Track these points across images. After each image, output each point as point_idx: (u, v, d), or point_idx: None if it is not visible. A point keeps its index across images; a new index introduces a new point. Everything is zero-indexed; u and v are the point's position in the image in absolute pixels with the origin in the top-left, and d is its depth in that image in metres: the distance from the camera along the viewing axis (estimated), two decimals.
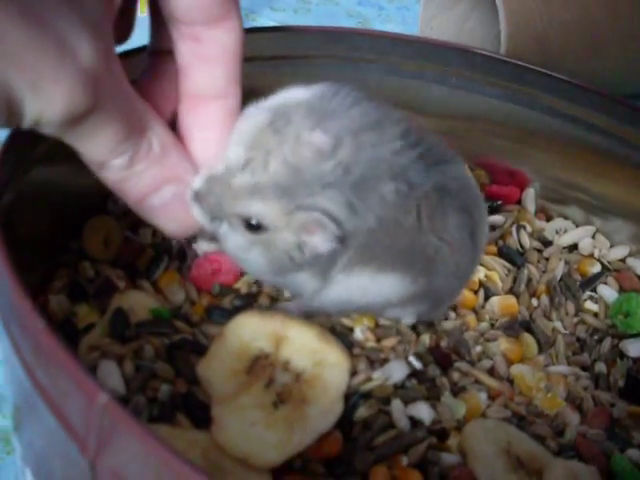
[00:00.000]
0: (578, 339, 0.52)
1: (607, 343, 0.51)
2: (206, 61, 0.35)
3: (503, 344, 0.48)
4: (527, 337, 0.50)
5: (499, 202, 0.58)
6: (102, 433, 0.26)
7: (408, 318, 0.45)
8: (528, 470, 0.40)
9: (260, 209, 0.37)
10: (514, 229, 0.57)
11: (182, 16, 0.34)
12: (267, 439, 0.37)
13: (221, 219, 0.39)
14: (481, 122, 0.59)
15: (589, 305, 0.54)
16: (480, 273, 0.52)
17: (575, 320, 0.53)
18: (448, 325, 0.48)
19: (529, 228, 0.57)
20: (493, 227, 0.57)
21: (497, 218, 0.57)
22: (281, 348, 0.41)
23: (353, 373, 0.42)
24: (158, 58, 0.38)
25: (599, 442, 0.44)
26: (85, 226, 0.48)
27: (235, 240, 0.39)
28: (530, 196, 0.59)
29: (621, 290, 0.54)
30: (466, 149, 0.60)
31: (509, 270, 0.54)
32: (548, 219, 0.59)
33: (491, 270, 0.53)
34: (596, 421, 0.46)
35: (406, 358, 0.44)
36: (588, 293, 0.54)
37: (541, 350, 0.50)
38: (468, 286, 0.51)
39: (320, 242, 0.38)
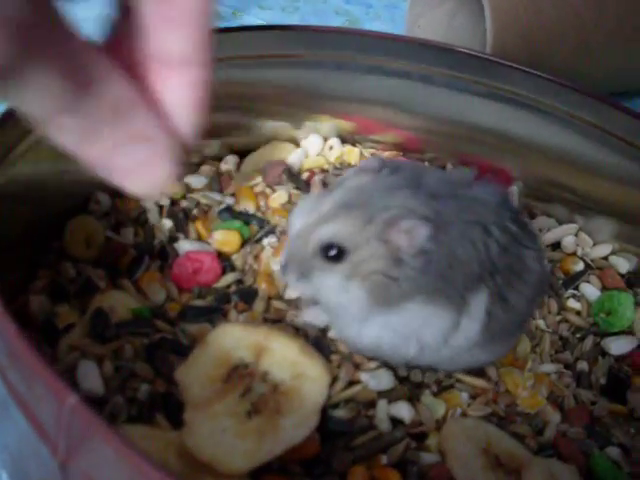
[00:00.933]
0: (560, 337, 0.52)
1: (589, 341, 0.51)
2: (170, 23, 0.33)
3: None
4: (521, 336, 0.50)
5: None
6: (72, 435, 0.26)
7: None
8: (507, 469, 0.40)
9: (331, 229, 0.38)
10: None
11: None
12: (236, 447, 0.37)
13: (310, 272, 0.39)
14: (465, 120, 0.59)
15: (572, 303, 0.54)
16: None
17: (558, 318, 0.53)
18: None
19: None
20: None
21: None
22: (262, 359, 0.41)
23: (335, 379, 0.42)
24: (122, 16, 0.35)
25: (579, 440, 0.44)
26: (66, 226, 0.48)
27: (328, 282, 0.40)
28: (513, 194, 0.59)
29: (604, 288, 0.54)
30: (450, 147, 0.60)
31: None
32: (532, 217, 0.59)
33: None
34: (576, 419, 0.46)
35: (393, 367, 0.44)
36: (571, 291, 0.54)
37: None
38: None
39: (411, 238, 0.38)
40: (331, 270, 0.39)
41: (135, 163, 0.32)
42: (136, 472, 0.27)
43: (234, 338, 0.41)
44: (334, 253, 0.39)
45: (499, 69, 0.56)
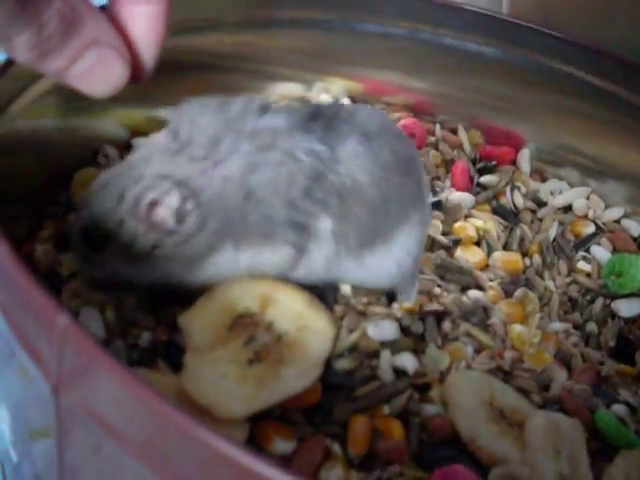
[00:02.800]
0: (570, 299, 0.51)
1: (599, 303, 0.51)
2: None
3: (504, 308, 0.47)
4: (530, 294, 0.49)
5: (493, 162, 0.58)
6: (65, 358, 0.26)
7: None
8: (510, 422, 0.40)
9: (85, 214, 0.40)
10: (508, 189, 0.56)
11: None
12: (234, 392, 0.36)
13: None
14: (476, 82, 0.58)
15: (582, 265, 0.53)
16: (477, 222, 0.52)
17: (567, 280, 0.52)
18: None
19: (523, 189, 0.57)
20: (486, 187, 0.56)
21: (491, 178, 0.57)
22: (267, 309, 0.40)
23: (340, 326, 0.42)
24: None
25: (585, 397, 0.44)
26: (74, 178, 0.48)
27: None
28: (525, 157, 0.58)
29: (614, 251, 0.54)
30: (461, 110, 0.60)
31: (504, 227, 0.53)
32: (543, 180, 0.59)
33: (487, 223, 0.52)
34: (583, 377, 0.45)
35: (396, 316, 0.44)
36: (581, 253, 0.54)
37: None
38: (470, 241, 0.51)
39: (164, 209, 0.38)
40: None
41: (89, 66, 0.34)
42: (134, 398, 0.27)
43: (241, 288, 0.41)
44: (94, 239, 0.39)
45: (511, 29, 0.56)
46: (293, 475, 0.26)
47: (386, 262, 0.43)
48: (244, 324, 0.40)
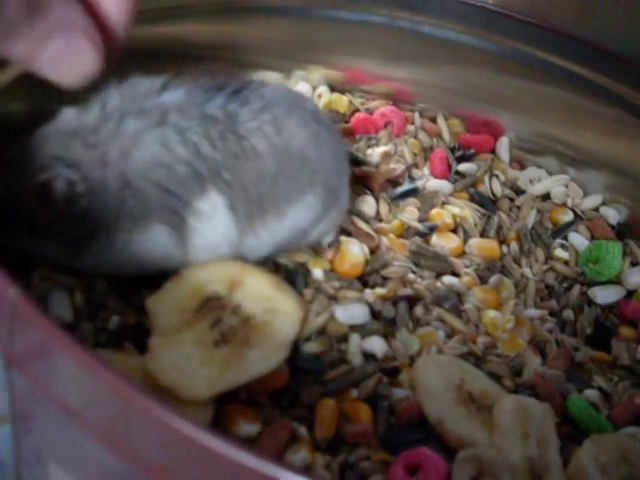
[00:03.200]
0: (547, 286, 0.51)
1: (576, 290, 0.51)
2: None
3: (478, 294, 0.47)
4: (505, 280, 0.49)
5: (472, 150, 0.58)
6: (17, 332, 0.26)
7: None
8: (479, 406, 0.39)
9: None
10: (486, 177, 0.56)
11: None
12: (199, 373, 0.36)
13: None
14: (455, 70, 0.58)
15: (560, 253, 0.53)
16: (454, 209, 0.52)
17: (544, 267, 0.52)
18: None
19: (502, 177, 0.57)
20: (464, 175, 0.56)
21: (469, 166, 0.56)
22: (235, 292, 0.40)
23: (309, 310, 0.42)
24: None
25: (557, 383, 0.43)
26: None
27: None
28: (504, 145, 0.58)
29: (593, 238, 0.54)
30: (441, 98, 0.60)
31: (482, 215, 0.53)
32: (522, 169, 0.59)
33: (464, 210, 0.52)
34: (556, 363, 0.45)
35: (367, 301, 0.44)
36: (559, 241, 0.54)
37: None
38: (447, 228, 0.51)
39: (53, 192, 0.38)
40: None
41: (57, 52, 0.32)
42: (89, 374, 0.27)
43: (210, 271, 0.41)
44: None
45: (489, 16, 0.56)
46: (254, 455, 0.26)
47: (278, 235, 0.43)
48: (211, 307, 0.39)
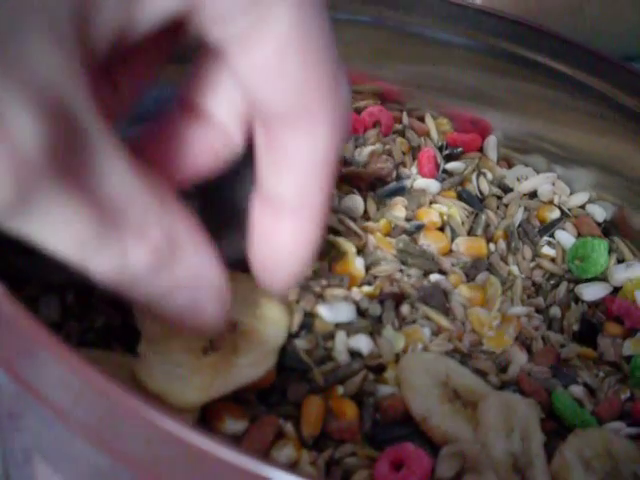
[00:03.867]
0: (534, 283, 0.51)
1: (563, 287, 0.51)
2: (282, 169, 0.29)
3: (465, 292, 0.48)
4: (492, 278, 0.49)
5: (460, 149, 0.58)
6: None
7: None
8: (464, 402, 0.40)
9: None
10: (474, 176, 0.56)
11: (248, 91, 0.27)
12: (189, 381, 0.36)
13: None
14: (443, 70, 0.58)
15: (546, 250, 0.53)
16: (441, 208, 0.52)
17: (532, 265, 0.52)
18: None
19: (489, 175, 0.57)
20: (452, 174, 0.56)
21: (457, 165, 0.57)
22: None
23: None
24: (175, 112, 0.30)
25: (543, 379, 0.44)
26: None
27: None
28: (492, 143, 0.59)
29: (579, 236, 0.54)
30: (429, 98, 0.60)
31: (469, 213, 0.54)
32: (510, 167, 0.59)
33: (451, 208, 0.52)
34: (542, 359, 0.45)
35: (354, 299, 0.44)
36: (546, 239, 0.54)
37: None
38: (434, 226, 0.51)
39: None
40: None
41: (179, 308, 0.29)
42: (73, 372, 0.27)
43: None
44: None
45: (477, 16, 0.56)
46: (240, 452, 0.26)
47: None
48: None
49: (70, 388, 0.29)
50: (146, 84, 0.31)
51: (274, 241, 0.30)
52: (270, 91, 0.27)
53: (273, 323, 0.40)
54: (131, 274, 0.25)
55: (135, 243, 0.25)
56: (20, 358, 0.29)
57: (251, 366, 0.38)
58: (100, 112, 0.23)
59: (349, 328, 0.42)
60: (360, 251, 0.47)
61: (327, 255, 0.46)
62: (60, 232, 0.23)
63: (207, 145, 0.30)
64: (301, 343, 0.41)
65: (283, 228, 0.30)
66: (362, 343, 0.41)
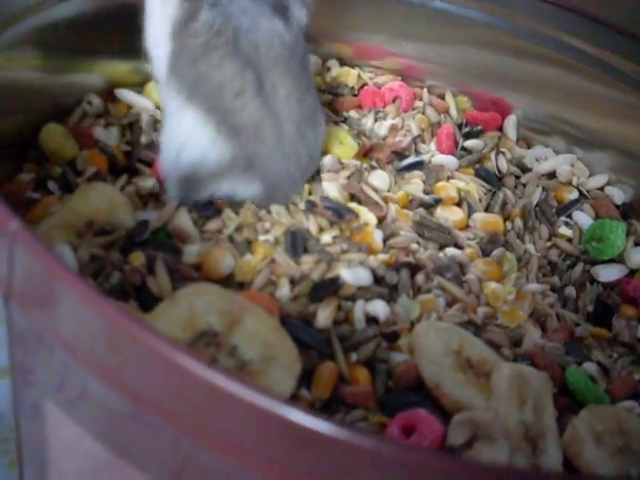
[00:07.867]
0: (549, 262, 0.51)
1: (579, 268, 0.51)
2: None
3: (480, 266, 0.47)
4: (508, 254, 0.49)
5: (479, 127, 0.58)
6: (14, 264, 0.26)
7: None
8: (477, 372, 0.40)
9: None
10: (493, 154, 0.56)
11: None
12: None
13: None
14: (465, 48, 0.58)
15: (564, 230, 0.53)
16: (459, 183, 0.52)
17: (548, 244, 0.52)
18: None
19: (508, 154, 0.57)
20: (471, 151, 0.56)
21: (476, 143, 0.56)
22: (232, 331, 0.37)
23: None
24: None
25: (556, 355, 0.43)
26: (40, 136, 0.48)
27: None
28: (512, 123, 0.58)
29: (597, 217, 0.54)
30: (449, 75, 0.60)
31: (487, 191, 0.53)
32: (529, 147, 0.59)
33: (469, 184, 0.52)
34: (557, 336, 0.45)
35: (370, 266, 0.44)
36: (563, 219, 0.53)
37: None
38: (451, 201, 0.51)
39: None
40: None
41: None
42: (89, 306, 0.27)
43: (208, 300, 0.37)
44: None
45: None
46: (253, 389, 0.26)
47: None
48: (206, 343, 0.36)
49: (83, 323, 0.29)
50: None
51: None
52: None
53: (283, 367, 0.37)
54: None
55: None
56: (34, 293, 0.29)
57: None
58: None
59: (367, 293, 0.42)
60: (380, 222, 0.47)
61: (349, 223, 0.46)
62: None
63: None
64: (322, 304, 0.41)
65: None
66: (379, 308, 0.41)
